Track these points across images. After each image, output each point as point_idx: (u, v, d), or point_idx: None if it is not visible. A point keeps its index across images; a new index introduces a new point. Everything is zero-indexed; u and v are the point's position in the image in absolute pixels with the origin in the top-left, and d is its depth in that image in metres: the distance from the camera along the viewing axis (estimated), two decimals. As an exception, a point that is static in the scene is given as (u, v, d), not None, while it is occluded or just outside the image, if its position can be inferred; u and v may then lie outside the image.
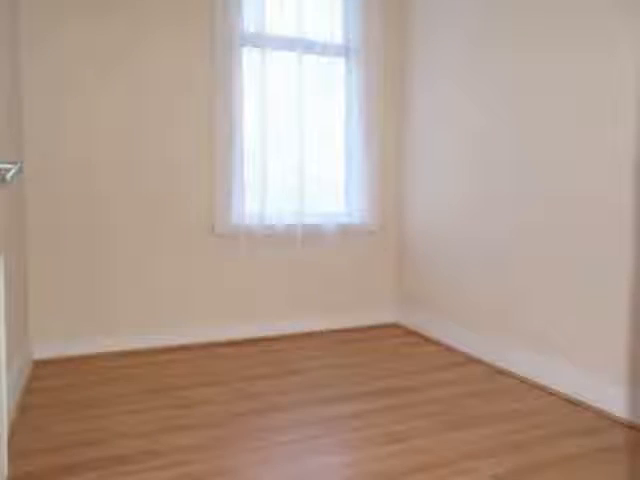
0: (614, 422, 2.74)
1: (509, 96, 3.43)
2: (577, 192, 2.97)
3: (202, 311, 4.06)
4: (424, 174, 4.27)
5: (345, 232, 4.43)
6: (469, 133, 3.79)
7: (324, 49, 4.27)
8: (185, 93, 3.92)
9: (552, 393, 3.12)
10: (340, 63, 4.41)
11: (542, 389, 3.17)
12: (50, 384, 3.23)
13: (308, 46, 4.22)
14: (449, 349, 3.94)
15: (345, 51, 4.40)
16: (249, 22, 4.03)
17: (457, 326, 3.95)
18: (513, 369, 3.42)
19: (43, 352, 3.67)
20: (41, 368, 3.49)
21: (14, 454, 2.40)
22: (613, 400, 2.81)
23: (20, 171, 2.00)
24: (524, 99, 3.33)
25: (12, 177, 1.93)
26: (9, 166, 1.96)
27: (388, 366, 3.57)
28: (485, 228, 3.66)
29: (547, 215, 3.18)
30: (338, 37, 4.38)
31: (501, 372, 3.46)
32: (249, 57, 4.09)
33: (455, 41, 3.90)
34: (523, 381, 3.30)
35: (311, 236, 4.34)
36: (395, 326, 4.58)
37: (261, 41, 4.04)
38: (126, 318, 3.86)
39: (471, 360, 3.70)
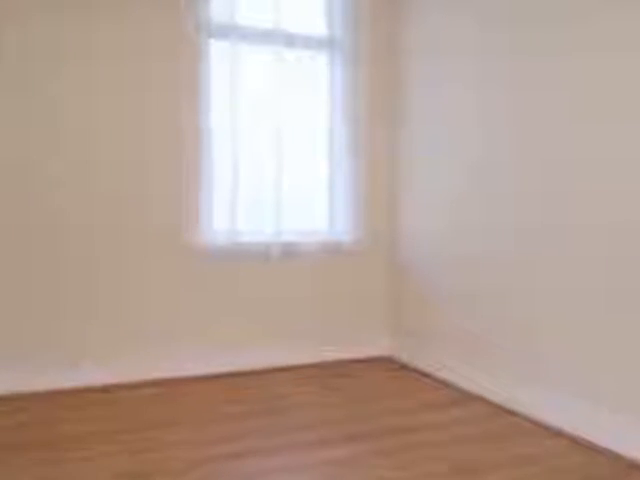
0: (634, 468, 2.69)
1: (515, 93, 3.43)
2: (588, 219, 2.99)
3: (168, 341, 4.02)
4: (421, 184, 4.24)
5: (329, 251, 4.40)
6: (472, 136, 3.77)
7: (305, 42, 4.25)
8: (144, 92, 3.91)
9: (564, 435, 3.08)
10: (323, 58, 4.39)
11: (554, 431, 3.14)
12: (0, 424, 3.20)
13: (286, 38, 4.18)
14: (450, 385, 3.91)
15: (329, 44, 4.37)
16: (218, 11, 4.02)
17: (459, 360, 3.91)
18: (521, 408, 3.39)
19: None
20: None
21: None
22: (634, 444, 2.77)
23: None
24: (530, 99, 3.32)
25: None
26: None
27: (381, 405, 3.53)
28: (492, 247, 3.63)
29: (562, 238, 3.17)
30: (321, 28, 4.35)
31: (508, 411, 3.43)
32: (218, 51, 4.06)
33: (457, 29, 3.87)
34: (533, 422, 3.27)
35: (290, 255, 4.29)
36: (388, 360, 4.54)
37: (232, 33, 4.02)
38: (85, 348, 3.83)
39: (475, 398, 3.67)
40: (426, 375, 4.16)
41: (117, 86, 3.86)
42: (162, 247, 4.01)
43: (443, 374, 4.05)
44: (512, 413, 3.42)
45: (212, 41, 4.07)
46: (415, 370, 4.29)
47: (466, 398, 3.68)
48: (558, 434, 3.11)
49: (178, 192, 4.02)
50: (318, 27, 4.34)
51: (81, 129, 3.80)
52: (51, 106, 3.74)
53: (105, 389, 3.81)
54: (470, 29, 3.75)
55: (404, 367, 4.36)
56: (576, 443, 2.99)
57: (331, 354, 4.46)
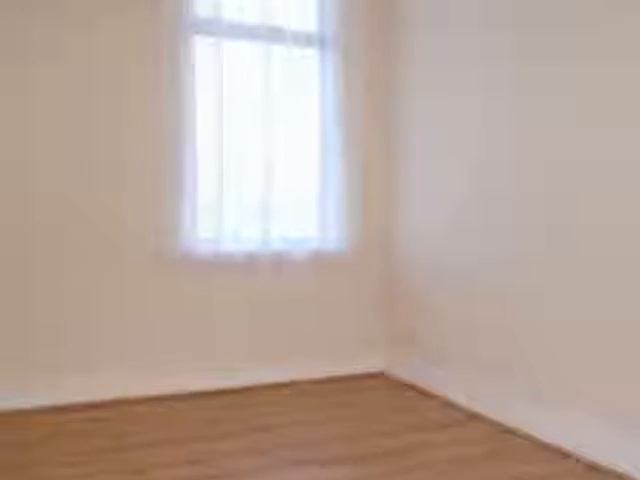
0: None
1: (518, 96, 3.42)
2: (593, 223, 2.98)
3: (149, 357, 3.98)
4: (418, 189, 4.21)
5: (320, 260, 4.37)
6: (473, 139, 3.75)
7: (295, 38, 4.21)
8: (124, 93, 3.88)
9: (570, 455, 3.05)
10: (314, 55, 4.35)
11: (558, 451, 3.11)
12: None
13: (275, 34, 4.13)
14: (448, 404, 3.88)
15: (320, 40, 4.33)
16: (201, 5, 3.98)
17: (458, 375, 3.88)
18: (526, 428, 3.36)
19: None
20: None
21: None
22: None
23: None
24: (533, 102, 3.31)
25: None
26: None
27: (374, 424, 3.50)
28: (492, 257, 3.60)
29: (567, 242, 3.14)
30: (312, 23, 4.31)
31: (511, 431, 3.41)
32: (202, 48, 4.03)
33: (459, 29, 3.85)
34: (537, 442, 3.24)
35: (279, 265, 4.26)
36: (382, 376, 4.51)
37: (217, 28, 3.98)
38: (58, 365, 3.78)
39: (475, 417, 3.65)
40: (423, 392, 4.12)
41: (92, 87, 3.83)
42: (140, 258, 3.96)
43: (442, 391, 4.01)
44: (516, 433, 3.39)
45: (196, 37, 4.01)
46: (411, 387, 4.25)
47: (467, 417, 3.65)
48: (564, 455, 3.08)
49: (158, 198, 3.98)
50: (309, 22, 4.29)
51: (53, 131, 3.76)
52: (21, 107, 3.70)
53: (76, 408, 3.78)
54: (472, 30, 3.74)
55: (400, 383, 4.33)
56: (584, 465, 2.95)
57: (322, 370, 4.42)
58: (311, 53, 4.35)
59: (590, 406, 3.02)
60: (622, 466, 2.84)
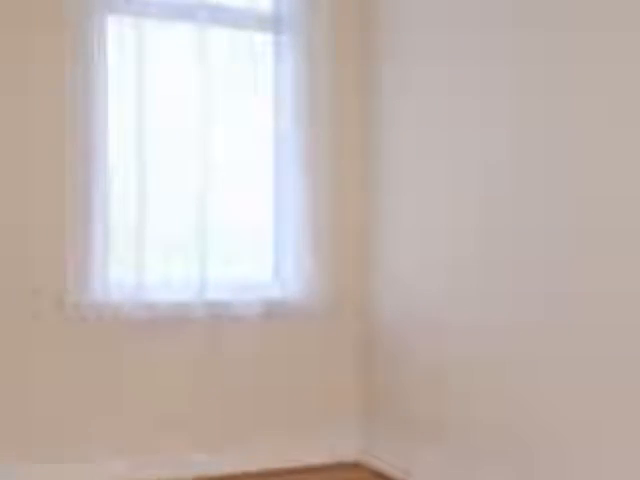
0: None
1: (521, 94, 3.35)
2: (596, 289, 2.96)
3: (45, 439, 3.82)
4: (403, 218, 4.09)
5: (275, 314, 4.19)
6: (470, 145, 3.64)
7: (241, 18, 4.11)
8: (14, 93, 3.75)
9: None
10: (267, 41, 4.26)
11: None
12: None
13: (216, 13, 4.05)
14: None
15: (275, 22, 4.23)
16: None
17: (454, 464, 3.73)
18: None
19: None
20: None
21: None
22: None
23: None
24: (537, 106, 3.25)
25: None
26: None
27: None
28: (494, 315, 3.48)
29: (570, 308, 3.08)
30: (263, 0, 4.21)
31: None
32: (119, 31, 3.93)
33: (451, 14, 3.77)
34: None
35: (219, 320, 4.11)
36: (357, 466, 4.37)
37: (139, 5, 3.88)
38: None
39: None
40: (409, 486, 3.91)
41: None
42: (36, 314, 3.80)
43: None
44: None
45: (109, 18, 3.91)
46: (393, 479, 4.15)
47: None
48: None
49: (58, 234, 3.86)
50: (259, -1, 4.10)
51: None
52: None
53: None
54: (464, 22, 3.71)
55: (378, 474, 4.23)
56: None
57: (275, 461, 4.25)
58: (263, 39, 4.27)
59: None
60: None
